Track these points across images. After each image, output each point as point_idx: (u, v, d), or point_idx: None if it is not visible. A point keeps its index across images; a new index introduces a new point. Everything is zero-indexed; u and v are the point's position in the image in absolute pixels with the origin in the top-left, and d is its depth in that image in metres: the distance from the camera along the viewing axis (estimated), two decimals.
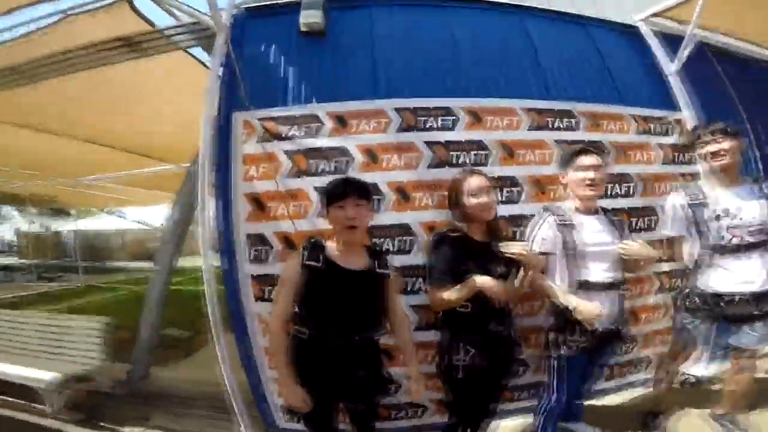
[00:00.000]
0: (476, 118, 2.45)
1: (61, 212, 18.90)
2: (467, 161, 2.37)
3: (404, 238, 2.26)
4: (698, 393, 2.65)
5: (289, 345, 1.55)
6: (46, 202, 14.18)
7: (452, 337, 1.78)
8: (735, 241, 1.90)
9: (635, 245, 1.84)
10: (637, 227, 2.62)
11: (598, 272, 1.85)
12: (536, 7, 3.09)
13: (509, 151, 2.44)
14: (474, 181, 1.75)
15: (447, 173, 2.29)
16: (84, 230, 15.65)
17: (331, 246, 1.58)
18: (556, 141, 2.48)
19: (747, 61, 3.56)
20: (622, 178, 2.61)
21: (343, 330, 1.52)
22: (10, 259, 17.77)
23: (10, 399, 3.06)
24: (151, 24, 2.75)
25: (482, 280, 1.66)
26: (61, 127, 4.48)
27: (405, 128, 2.37)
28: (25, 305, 6.39)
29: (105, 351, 3.19)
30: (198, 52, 3.10)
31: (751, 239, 1.89)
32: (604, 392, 2.65)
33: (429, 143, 2.36)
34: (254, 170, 2.27)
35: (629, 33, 3.18)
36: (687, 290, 2.06)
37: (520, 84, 2.67)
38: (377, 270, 1.60)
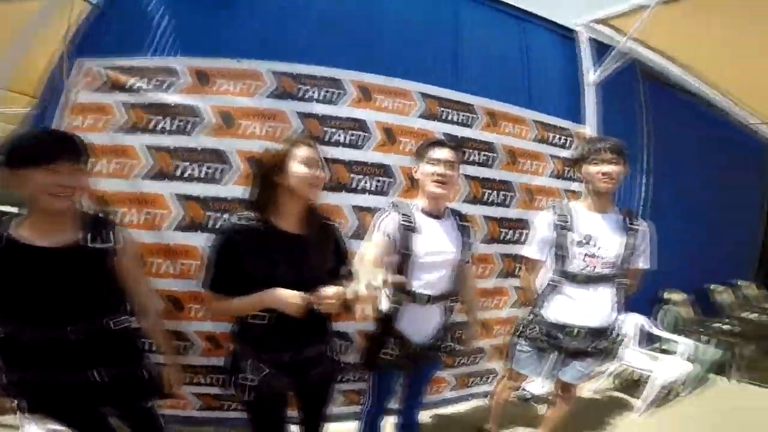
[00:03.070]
0: (365, 95, 2.22)
1: None
2: (341, 140, 2.15)
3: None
4: (530, 410, 2.65)
5: None
6: None
7: (241, 351, 1.40)
8: (587, 270, 1.75)
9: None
10: (506, 239, 2.51)
11: (427, 283, 1.61)
12: None
13: (391, 138, 2.25)
14: (305, 151, 1.36)
15: None
16: None
17: (21, 220, 1.21)
18: (444, 134, 2.28)
19: (676, 87, 3.49)
20: (503, 185, 2.49)
21: (43, 324, 1.19)
22: None
23: None
24: None
25: (281, 296, 1.26)
26: None
27: (279, 95, 2.10)
28: None
29: None
30: None
31: (602, 271, 1.75)
32: (447, 402, 2.58)
33: (303, 115, 2.11)
34: (79, 121, 1.95)
35: (565, 37, 3.01)
36: (531, 317, 1.91)
37: (427, 67, 2.45)
38: (90, 245, 1.24)
